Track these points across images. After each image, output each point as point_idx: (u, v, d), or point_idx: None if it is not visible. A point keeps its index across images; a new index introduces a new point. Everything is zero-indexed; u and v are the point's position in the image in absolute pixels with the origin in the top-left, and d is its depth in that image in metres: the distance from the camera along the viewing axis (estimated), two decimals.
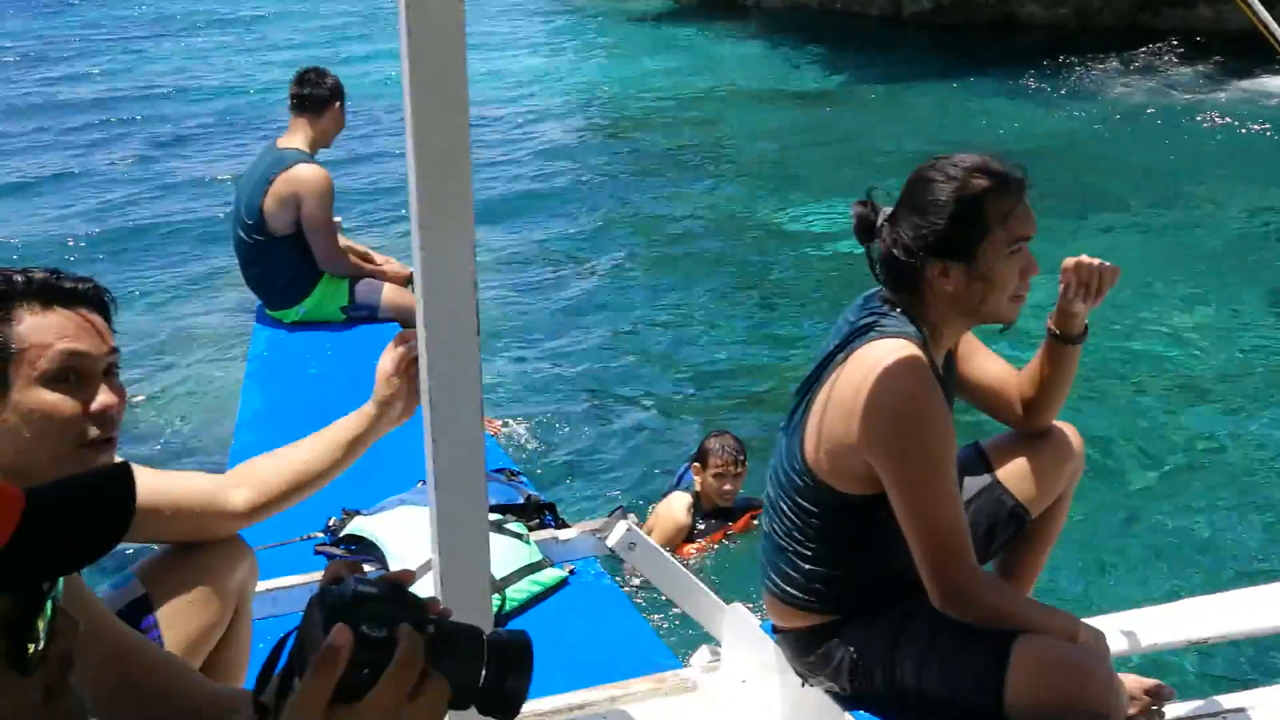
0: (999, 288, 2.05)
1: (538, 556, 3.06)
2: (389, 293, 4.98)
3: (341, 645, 0.92)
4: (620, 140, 13.43)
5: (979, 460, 2.38)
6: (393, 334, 5.34)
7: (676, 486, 4.34)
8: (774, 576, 2.22)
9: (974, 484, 2.35)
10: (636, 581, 3.66)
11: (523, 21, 23.65)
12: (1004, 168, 2.08)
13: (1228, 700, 2.39)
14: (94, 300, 1.67)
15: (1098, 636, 2.03)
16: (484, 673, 0.99)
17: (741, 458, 4.17)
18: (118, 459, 1.60)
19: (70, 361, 1.60)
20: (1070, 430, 2.41)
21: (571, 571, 3.12)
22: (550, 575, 3.06)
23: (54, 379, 1.59)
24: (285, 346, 4.84)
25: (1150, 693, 2.21)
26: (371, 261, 5.07)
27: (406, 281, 5.05)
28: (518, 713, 1.02)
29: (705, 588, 3.22)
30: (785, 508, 2.16)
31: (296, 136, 4.79)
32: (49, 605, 0.93)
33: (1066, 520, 2.47)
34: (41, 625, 0.93)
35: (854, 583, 2.15)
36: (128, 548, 2.22)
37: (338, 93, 4.82)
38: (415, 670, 0.94)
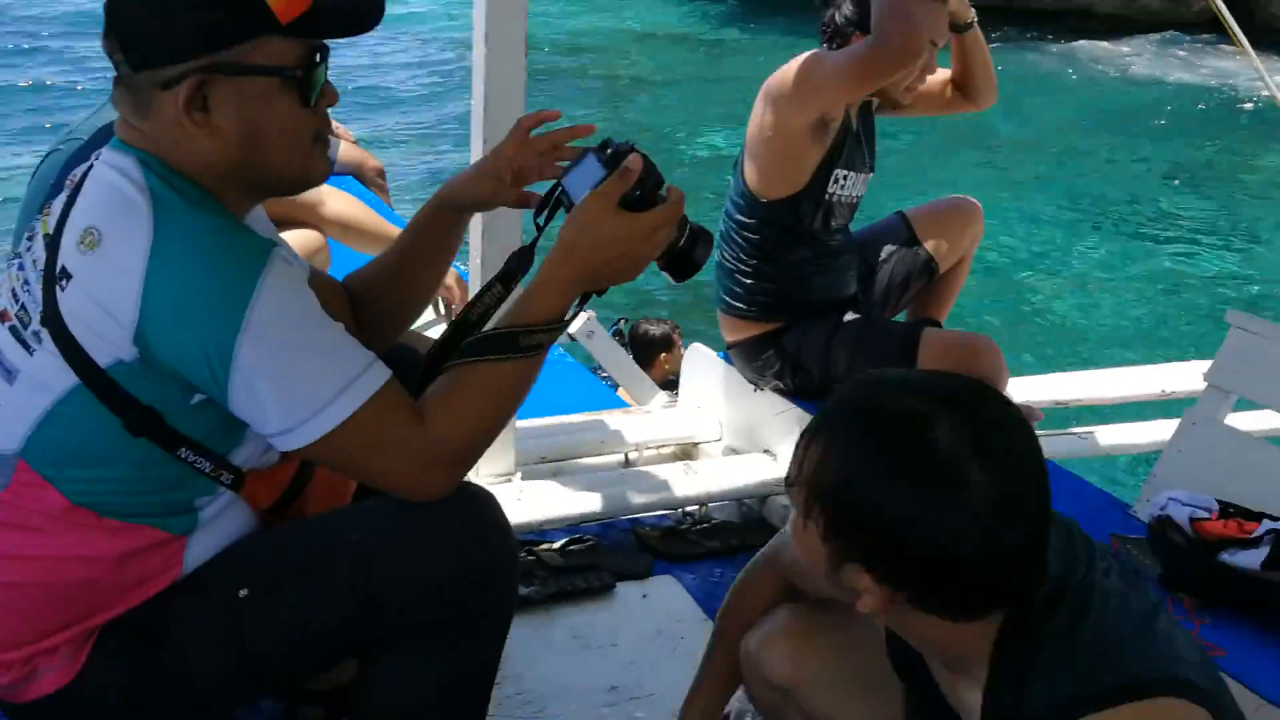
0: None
1: None
2: (344, 150, 5.39)
3: (636, 167, 1.38)
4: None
5: (901, 224, 2.92)
6: (346, 185, 5.71)
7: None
8: (724, 296, 2.76)
9: (896, 240, 2.90)
10: None
11: None
12: None
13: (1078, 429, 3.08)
14: None
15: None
16: (684, 236, 1.44)
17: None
18: None
19: None
20: (974, 203, 2.96)
21: None
22: None
23: None
24: None
25: (1027, 410, 2.84)
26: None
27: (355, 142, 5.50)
28: (692, 276, 1.49)
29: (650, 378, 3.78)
30: (731, 233, 2.69)
31: None
32: (324, 69, 1.38)
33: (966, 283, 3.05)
34: (319, 77, 1.36)
35: (792, 290, 2.68)
36: None
37: None
38: (679, 210, 1.41)
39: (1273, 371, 2.15)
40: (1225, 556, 1.92)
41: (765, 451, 2.79)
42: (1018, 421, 1.15)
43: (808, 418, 2.59)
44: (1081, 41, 16.15)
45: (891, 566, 1.12)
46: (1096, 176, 10.12)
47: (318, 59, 1.36)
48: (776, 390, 2.76)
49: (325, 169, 1.45)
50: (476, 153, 2.28)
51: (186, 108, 1.29)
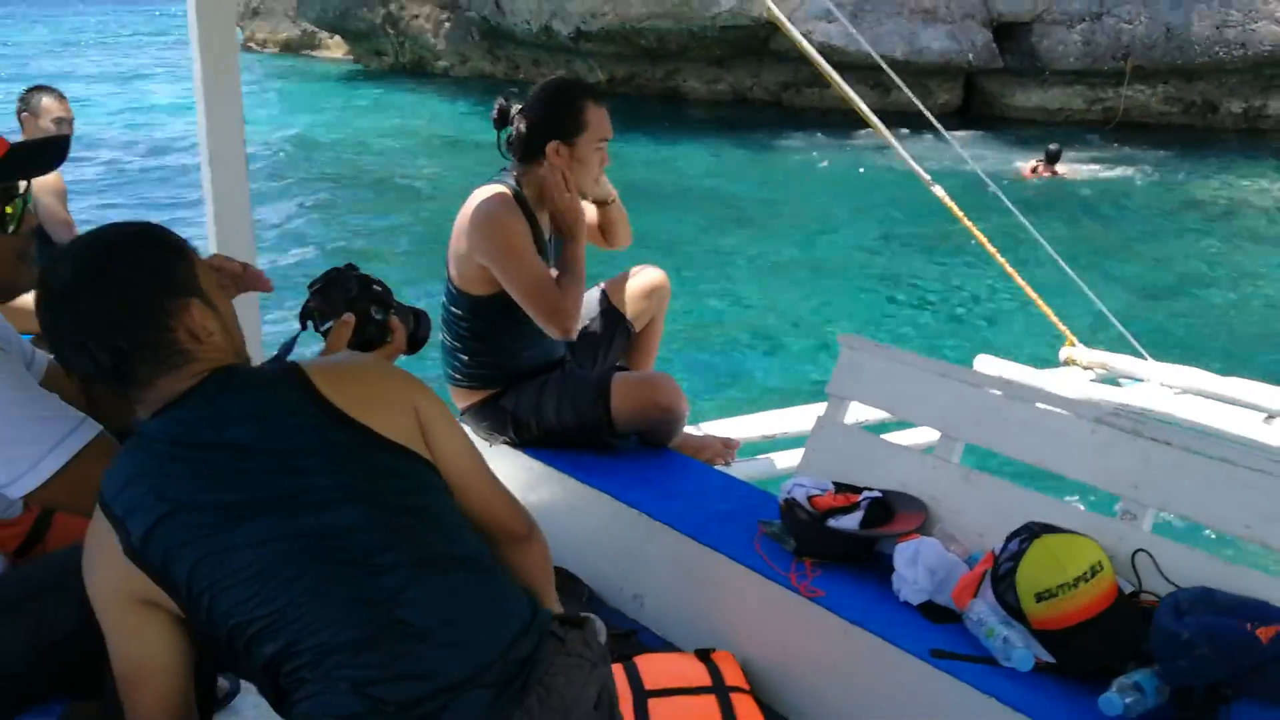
0: (588, 169, 2.99)
1: None
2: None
3: (349, 325, 1.86)
4: (328, 171, 14.39)
5: (600, 295, 3.38)
6: None
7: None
8: (451, 372, 3.18)
9: (595, 308, 3.36)
10: None
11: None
12: (591, 84, 3.08)
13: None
14: None
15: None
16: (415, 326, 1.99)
17: None
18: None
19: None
20: (658, 270, 3.43)
21: None
22: None
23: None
24: None
25: (725, 443, 3.37)
26: None
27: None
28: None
29: None
30: (448, 319, 3.11)
31: None
32: (20, 202, 1.78)
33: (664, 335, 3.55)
34: (14, 209, 1.76)
35: (504, 362, 3.10)
36: None
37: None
38: (399, 350, 1.91)
39: (872, 379, 2.70)
40: (832, 522, 2.41)
41: None
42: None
43: (535, 464, 3.04)
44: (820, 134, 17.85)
45: None
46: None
47: (14, 192, 1.75)
48: (506, 444, 3.16)
49: (33, 278, 1.80)
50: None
51: None
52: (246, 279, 1.97)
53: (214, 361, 1.57)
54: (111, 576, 1.48)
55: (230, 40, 2.54)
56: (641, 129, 17.35)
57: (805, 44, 4.26)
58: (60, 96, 5.10)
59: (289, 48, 32.45)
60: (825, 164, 16.07)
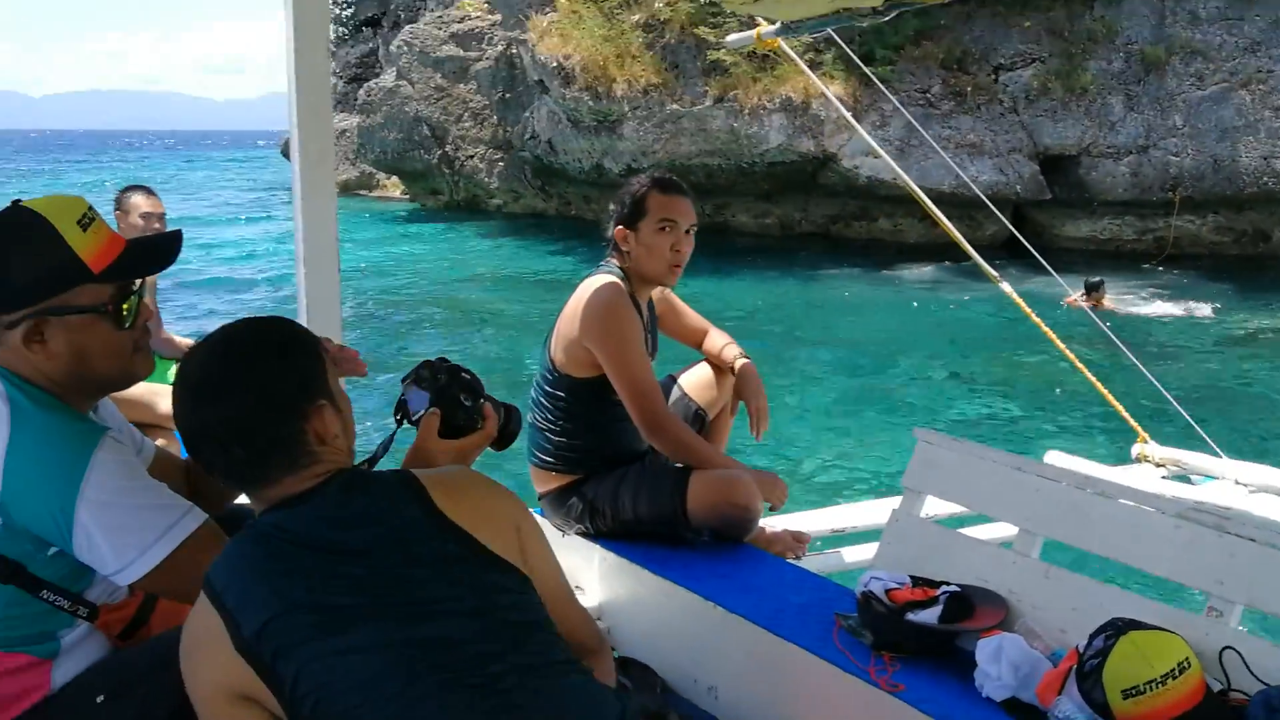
0: (654, 253, 3.11)
1: None
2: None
3: (435, 422, 1.91)
4: (383, 314, 14.71)
5: (672, 384, 3.45)
6: None
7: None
8: (536, 452, 3.22)
9: (669, 396, 3.42)
10: None
11: (278, 209, 25.03)
12: (667, 176, 3.21)
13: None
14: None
15: (748, 473, 3.13)
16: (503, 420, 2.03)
17: None
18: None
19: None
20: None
21: None
22: None
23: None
24: None
25: (795, 536, 3.37)
26: None
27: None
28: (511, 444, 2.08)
29: None
30: (542, 400, 3.18)
31: None
32: (135, 298, 1.86)
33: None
34: (130, 305, 1.84)
35: (591, 449, 3.15)
36: None
37: None
38: (489, 437, 1.97)
39: (949, 473, 2.70)
40: (911, 616, 2.39)
41: (577, 587, 3.17)
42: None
43: (609, 555, 3.05)
44: (883, 269, 18.03)
45: None
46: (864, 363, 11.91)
47: (131, 289, 1.83)
48: (580, 534, 3.18)
49: (148, 368, 1.91)
50: None
51: (26, 341, 1.76)
52: (342, 362, 2.03)
53: (335, 464, 1.61)
54: (215, 669, 1.49)
55: (327, 125, 2.64)
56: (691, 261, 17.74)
57: (905, 176, 4.40)
58: (150, 193, 5.30)
59: (347, 189, 33.62)
60: (864, 287, 16.26)
